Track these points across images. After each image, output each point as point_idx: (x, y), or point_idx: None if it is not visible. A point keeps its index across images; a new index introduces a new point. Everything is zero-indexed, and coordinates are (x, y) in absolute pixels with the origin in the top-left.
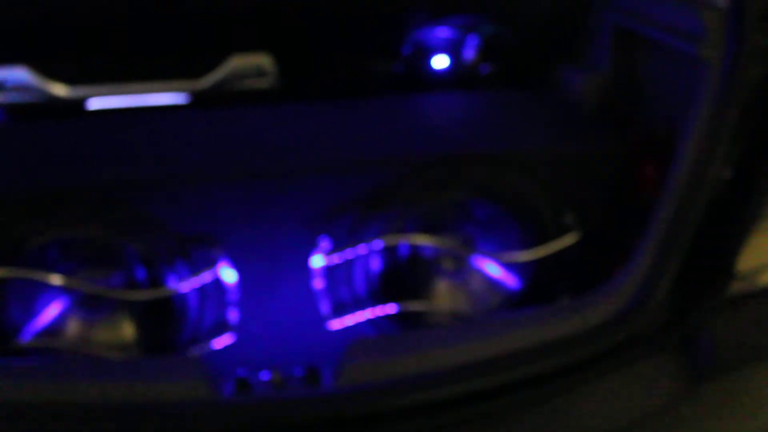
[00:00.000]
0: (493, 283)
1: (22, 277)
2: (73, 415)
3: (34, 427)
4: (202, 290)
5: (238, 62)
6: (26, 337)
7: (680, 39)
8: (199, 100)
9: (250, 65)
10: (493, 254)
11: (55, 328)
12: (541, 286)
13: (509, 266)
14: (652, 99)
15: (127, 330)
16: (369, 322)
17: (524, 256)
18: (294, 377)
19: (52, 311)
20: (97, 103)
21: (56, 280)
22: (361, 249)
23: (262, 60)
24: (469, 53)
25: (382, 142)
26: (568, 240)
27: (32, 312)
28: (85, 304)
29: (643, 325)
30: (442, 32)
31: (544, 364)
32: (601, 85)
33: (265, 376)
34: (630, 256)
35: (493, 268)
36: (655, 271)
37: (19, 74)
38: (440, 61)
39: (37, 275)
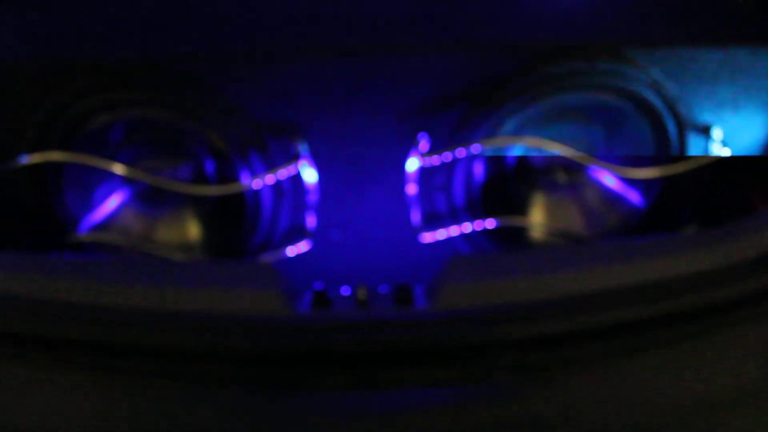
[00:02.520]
0: (611, 201)
1: (82, 162)
2: (129, 319)
3: (86, 330)
4: (278, 188)
5: None
6: (84, 229)
7: None
8: None
9: None
10: (614, 167)
11: (114, 222)
12: (667, 208)
13: (632, 182)
14: None
15: (193, 229)
16: (464, 236)
17: (653, 171)
18: (380, 295)
19: (111, 203)
20: None
21: (118, 168)
22: (464, 151)
23: None
24: None
25: (497, 27)
26: (708, 158)
27: (91, 203)
28: (148, 198)
29: None
30: None
31: (673, 303)
32: None
33: (346, 291)
34: None
35: (613, 183)
36: None
37: None
38: None
39: (98, 161)
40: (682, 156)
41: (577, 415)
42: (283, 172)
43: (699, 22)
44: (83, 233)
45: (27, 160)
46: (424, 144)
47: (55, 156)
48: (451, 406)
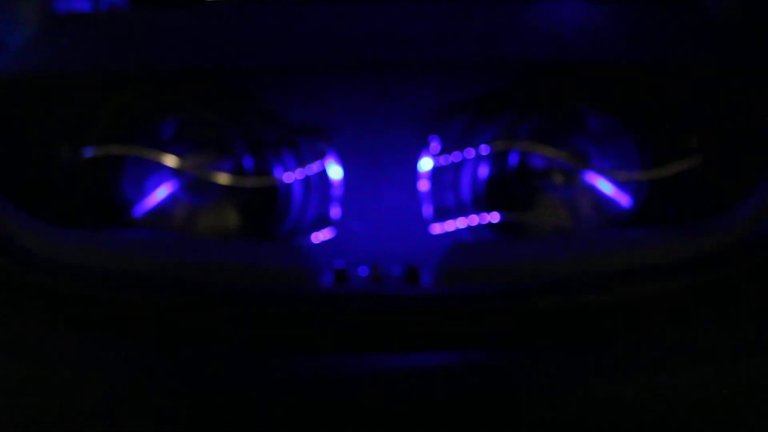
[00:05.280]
0: (603, 201)
1: (138, 155)
2: (176, 288)
3: (135, 296)
4: (307, 183)
5: None
6: (137, 213)
7: None
8: None
9: None
10: (606, 171)
11: (164, 208)
12: (653, 208)
13: (622, 185)
14: None
15: (231, 216)
16: (470, 228)
17: (640, 175)
18: (392, 275)
19: (162, 191)
20: None
21: (168, 160)
22: (471, 153)
23: None
24: None
25: (502, 45)
26: (689, 163)
27: (144, 190)
28: (193, 188)
29: (763, 259)
30: None
31: (646, 287)
32: (741, 3)
33: (363, 271)
34: (757, 187)
35: (605, 186)
36: None
37: None
38: None
39: (151, 154)
40: (666, 162)
41: (546, 376)
42: (312, 168)
43: (686, 45)
44: (137, 217)
45: (92, 152)
46: (435, 146)
47: (116, 149)
48: (446, 366)
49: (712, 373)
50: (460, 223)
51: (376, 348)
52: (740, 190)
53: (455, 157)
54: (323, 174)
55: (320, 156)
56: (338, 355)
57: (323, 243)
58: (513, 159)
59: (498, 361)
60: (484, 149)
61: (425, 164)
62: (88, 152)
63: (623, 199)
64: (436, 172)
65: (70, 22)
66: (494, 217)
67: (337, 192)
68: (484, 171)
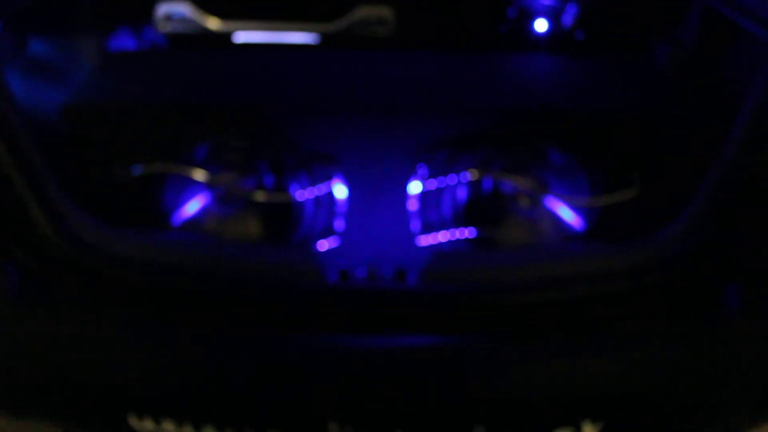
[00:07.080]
0: (560, 222)
1: (177, 172)
2: (210, 283)
3: (182, 286)
4: (317, 200)
5: (363, 11)
6: (176, 222)
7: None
8: (327, 41)
9: (374, 14)
10: (564, 197)
11: (198, 218)
12: (602, 230)
13: (577, 209)
14: (731, 81)
15: (254, 226)
16: (451, 242)
17: (591, 201)
18: (384, 275)
19: (197, 203)
20: (242, 37)
21: (203, 177)
22: (451, 180)
23: (384, 11)
24: (568, 20)
25: (480, 93)
26: (630, 193)
27: (182, 202)
28: (223, 201)
29: (674, 274)
30: None
31: (587, 290)
32: (684, 59)
33: (361, 272)
34: (680, 214)
35: (562, 210)
36: (698, 229)
37: (183, 8)
38: (541, 25)
39: (189, 172)
40: (613, 191)
41: (506, 358)
42: (322, 188)
43: (632, 97)
44: (176, 224)
45: (139, 170)
46: (423, 173)
47: (159, 168)
48: (426, 347)
49: (639, 356)
50: (442, 236)
51: (370, 331)
52: (669, 216)
53: (439, 182)
54: (330, 193)
55: (329, 178)
56: (342, 336)
57: (329, 250)
58: (486, 185)
59: (468, 344)
60: (463, 177)
61: (414, 188)
62: (137, 170)
63: (577, 222)
64: (423, 195)
65: (122, 59)
66: (471, 233)
67: (341, 208)
68: (462, 194)
